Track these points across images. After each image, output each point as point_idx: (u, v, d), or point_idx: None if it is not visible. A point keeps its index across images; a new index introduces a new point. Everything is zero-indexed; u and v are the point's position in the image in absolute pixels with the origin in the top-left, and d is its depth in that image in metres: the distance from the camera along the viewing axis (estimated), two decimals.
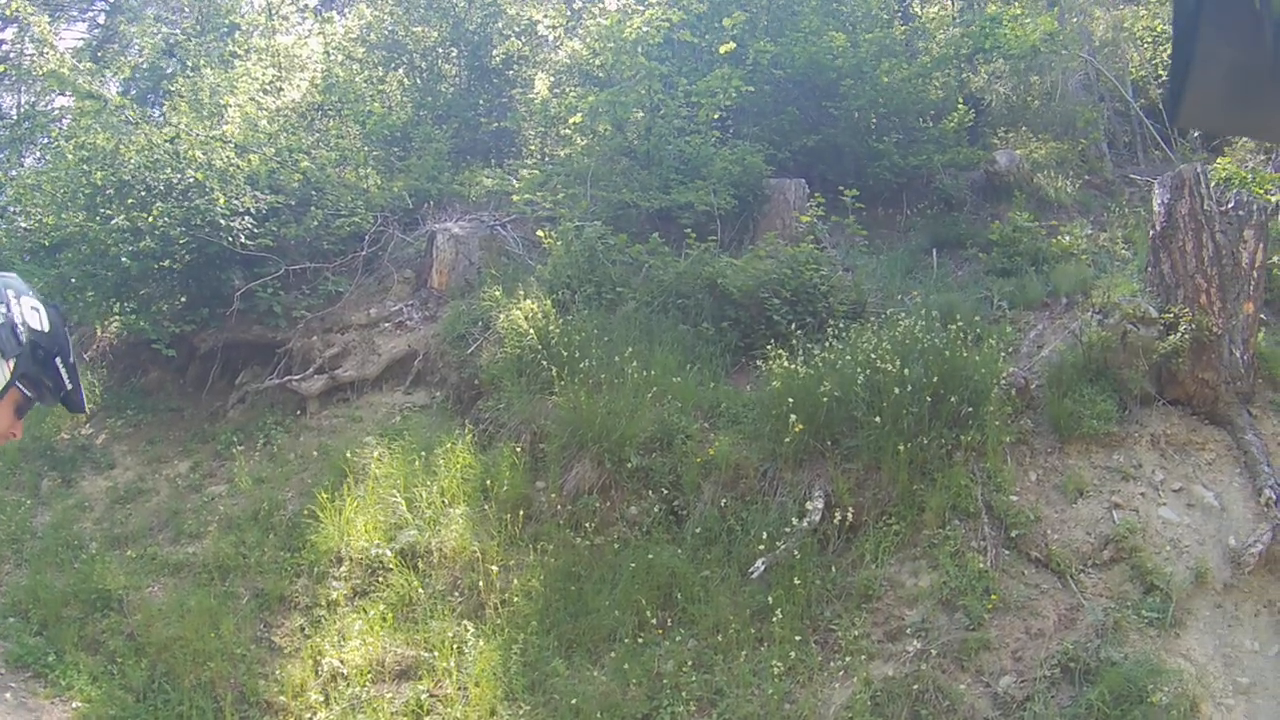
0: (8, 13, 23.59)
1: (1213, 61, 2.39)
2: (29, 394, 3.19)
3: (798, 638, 8.87)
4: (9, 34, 31.25)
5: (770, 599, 9.19)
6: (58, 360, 3.21)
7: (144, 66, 24.79)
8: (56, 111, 24.79)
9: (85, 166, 15.42)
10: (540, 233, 15.07)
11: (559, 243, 14.30)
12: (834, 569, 9.58)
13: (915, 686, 8.32)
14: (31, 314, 3.13)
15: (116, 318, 16.29)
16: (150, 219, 14.58)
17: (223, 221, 14.78)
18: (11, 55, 30.14)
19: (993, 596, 8.86)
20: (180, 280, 15.32)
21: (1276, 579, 9.35)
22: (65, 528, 13.58)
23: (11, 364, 3.07)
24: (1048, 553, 9.26)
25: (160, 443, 15.17)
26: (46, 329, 3.16)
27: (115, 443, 15.76)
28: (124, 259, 14.93)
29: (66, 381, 3.25)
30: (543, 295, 13.35)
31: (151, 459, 14.81)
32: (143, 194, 15.02)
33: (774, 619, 9.00)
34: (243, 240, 14.90)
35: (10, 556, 12.88)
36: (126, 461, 15.11)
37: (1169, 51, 20.11)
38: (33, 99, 25.72)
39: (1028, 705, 8.11)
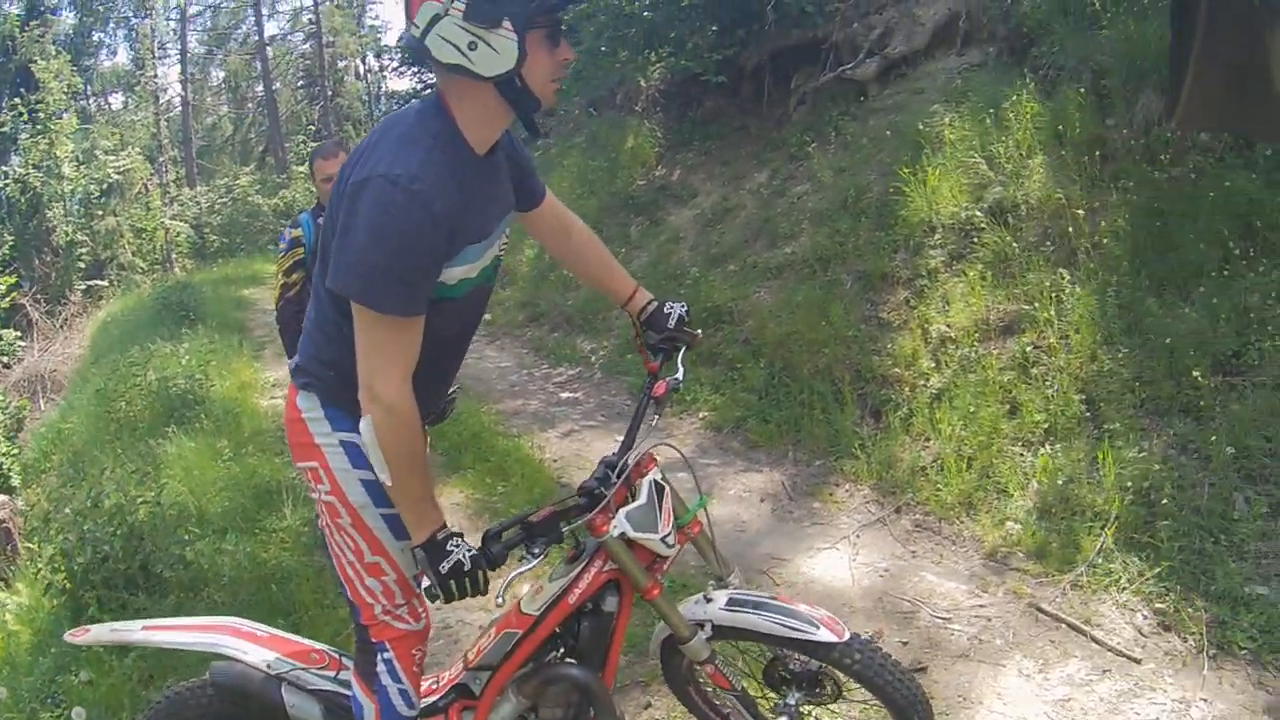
0: None
1: (1213, 62, 2.26)
2: (546, 25, 3.25)
3: None
4: None
5: None
6: None
7: None
8: None
9: None
10: None
11: None
12: None
13: None
14: None
15: (657, 65, 16.98)
16: None
17: None
18: None
19: None
20: (704, 11, 15.73)
21: None
22: (663, 261, 14.57)
23: (507, 24, 3.14)
24: None
25: (734, 161, 15.85)
26: None
27: (690, 175, 16.63)
28: (645, 14, 15.55)
29: None
30: None
31: (730, 178, 15.52)
32: None
33: None
34: None
35: (615, 304, 14.04)
36: (707, 188, 15.92)
37: None
38: None
39: None
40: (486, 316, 12.76)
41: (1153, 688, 5.44)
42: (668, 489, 3.85)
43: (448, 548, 3.39)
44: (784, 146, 15.04)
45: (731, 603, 3.92)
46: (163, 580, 7.81)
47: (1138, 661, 5.68)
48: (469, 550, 3.40)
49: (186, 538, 8.70)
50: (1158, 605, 6.13)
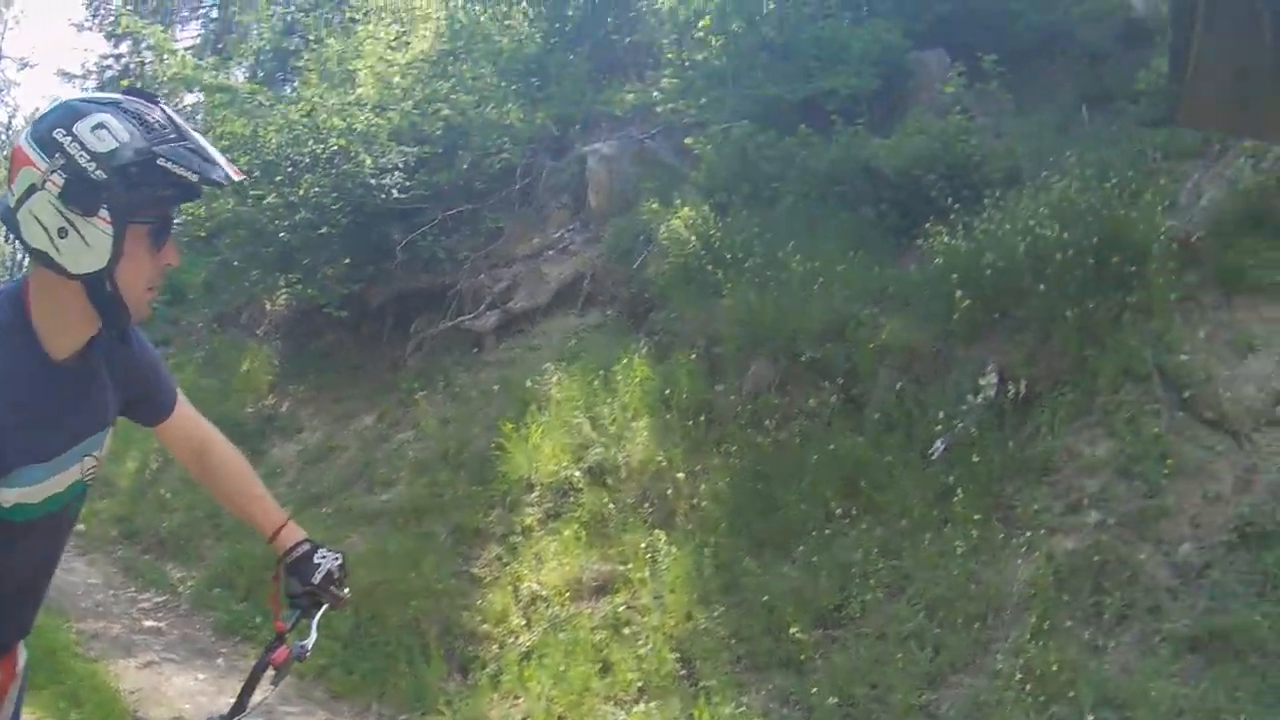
0: (120, 30, 24.14)
1: (1213, 62, 2.35)
2: (151, 221, 2.79)
3: (979, 516, 8.68)
4: (124, 48, 32.21)
5: (951, 479, 9.04)
6: (162, 160, 2.69)
7: (267, 50, 25.33)
8: (188, 109, 25.35)
9: (228, 156, 15.68)
10: (689, 140, 15.01)
11: (709, 147, 14.26)
12: (1011, 443, 9.33)
13: (1096, 559, 8.08)
14: (95, 137, 2.63)
15: (284, 290, 16.73)
16: (301, 192, 14.98)
17: (373, 181, 15.13)
18: (132, 66, 31.08)
19: (1169, 461, 8.49)
20: (341, 243, 15.60)
21: None
22: None
23: (104, 213, 2.64)
24: (1221, 412, 8.82)
25: (345, 400, 15.61)
26: (124, 139, 2.66)
27: (300, 408, 16.27)
28: (282, 234, 15.37)
29: (188, 170, 2.72)
30: (699, 201, 13.32)
31: (338, 417, 15.25)
32: (289, 170, 15.46)
33: (955, 499, 8.85)
34: (395, 195, 15.22)
35: (211, 531, 13.45)
36: (313, 424, 15.59)
37: None
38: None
39: (1207, 573, 7.83)
40: (80, 527, 11.94)
41: None
42: None
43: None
44: (395, 391, 14.86)
45: None
46: None
47: None
48: None
49: None
50: None
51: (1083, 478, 8.83)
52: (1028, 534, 8.48)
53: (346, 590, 3.67)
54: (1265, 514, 7.90)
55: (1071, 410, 9.36)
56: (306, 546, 3.64)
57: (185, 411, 3.58)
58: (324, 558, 3.62)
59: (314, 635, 3.62)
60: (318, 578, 3.56)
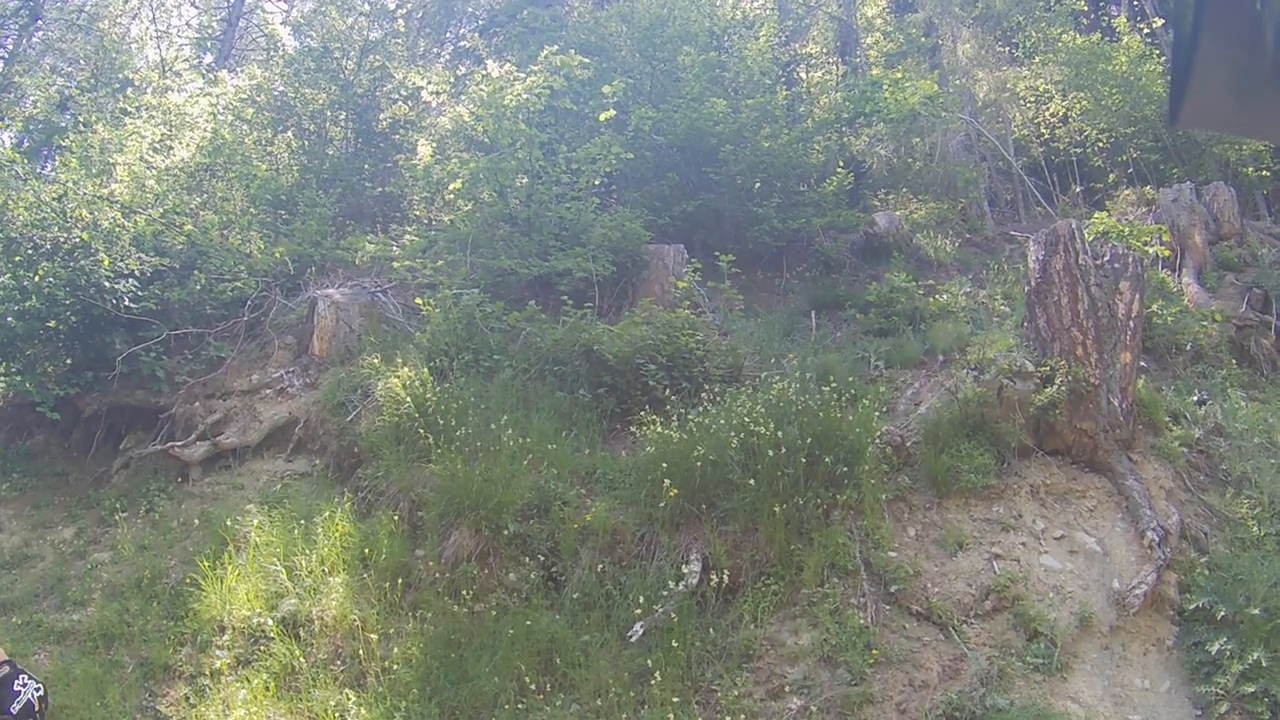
0: None
1: (1214, 63, 2.56)
2: None
3: (677, 699, 8.98)
4: None
5: (650, 662, 9.28)
6: None
7: (38, 120, 24.73)
8: None
9: None
10: (419, 300, 15.28)
11: (437, 310, 14.49)
12: (713, 630, 9.71)
13: None
14: None
15: (1, 379, 16.20)
16: (36, 279, 14.59)
17: (107, 284, 14.84)
18: None
19: (874, 651, 9.05)
20: (65, 342, 15.26)
21: (1163, 618, 9.73)
22: None
23: None
24: (929, 606, 9.49)
25: (45, 507, 15.07)
26: None
27: (0, 506, 15.63)
28: (9, 318, 14.90)
29: None
30: (421, 362, 13.54)
31: (36, 524, 14.70)
32: (30, 253, 15.02)
33: (654, 681, 9.10)
34: (127, 303, 14.97)
35: None
36: (12, 526, 14.97)
37: (1050, 110, 20.69)
38: None
39: None
40: None
41: None
42: None
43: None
44: (97, 507, 14.45)
45: None
46: None
47: None
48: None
49: None
50: None
51: (785, 665, 9.28)
52: (727, 718, 8.78)
53: None
54: (975, 699, 8.51)
55: (775, 600, 9.86)
56: (7, 669, 3.55)
57: None
58: (24, 686, 3.53)
59: None
60: (16, 708, 3.48)
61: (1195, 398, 12.49)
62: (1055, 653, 9.01)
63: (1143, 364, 11.91)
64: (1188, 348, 13.51)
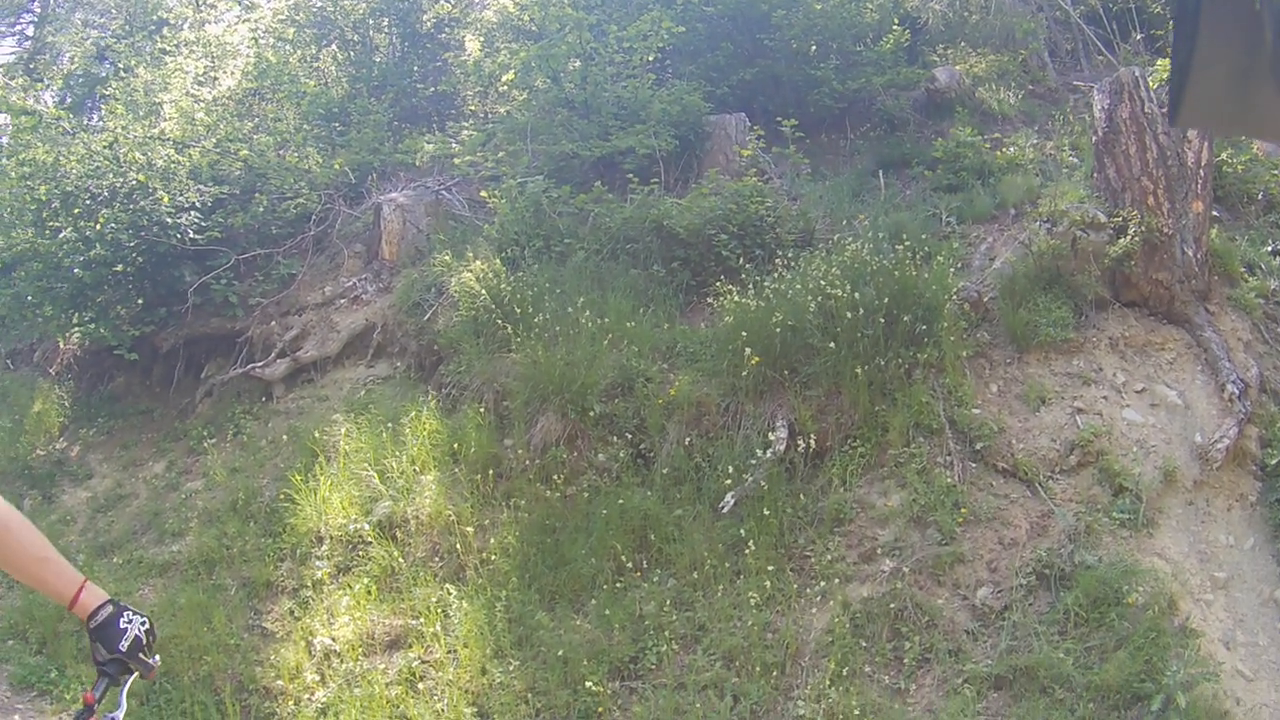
0: None
1: (1213, 62, 2.41)
2: None
3: (772, 567, 8.95)
4: None
5: (743, 531, 9.24)
6: None
7: (78, 74, 24.69)
8: None
9: (28, 183, 15.31)
10: (484, 193, 15.06)
11: (503, 201, 14.26)
12: (803, 496, 9.62)
13: (893, 605, 8.41)
14: None
15: (77, 329, 16.28)
16: (98, 227, 14.53)
17: (169, 220, 14.77)
18: None
19: (962, 510, 8.93)
20: (135, 283, 15.23)
21: (1246, 473, 9.54)
22: (52, 543, 13.60)
23: None
24: (1014, 462, 9.32)
25: (134, 446, 15.19)
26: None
27: (90, 453, 15.76)
28: (76, 270, 14.94)
29: None
30: (492, 254, 13.39)
31: (127, 463, 14.83)
32: (88, 203, 14.96)
33: (748, 551, 9.07)
34: (191, 235, 14.90)
35: (2, 580, 12.93)
36: (103, 470, 15.12)
37: None
38: None
39: (1006, 615, 8.20)
40: None
41: None
42: None
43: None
44: (185, 438, 14.53)
45: None
46: None
47: None
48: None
49: None
50: None
51: (876, 528, 9.16)
52: (822, 584, 8.75)
53: (156, 658, 3.55)
54: (1063, 556, 8.33)
55: (863, 463, 9.70)
56: (110, 609, 3.48)
57: None
58: (129, 622, 3.46)
59: (123, 705, 3.47)
60: (124, 645, 3.42)
61: (1270, 248, 12.04)
62: (1141, 508, 8.83)
63: (1215, 214, 11.49)
64: (1259, 197, 13.00)
